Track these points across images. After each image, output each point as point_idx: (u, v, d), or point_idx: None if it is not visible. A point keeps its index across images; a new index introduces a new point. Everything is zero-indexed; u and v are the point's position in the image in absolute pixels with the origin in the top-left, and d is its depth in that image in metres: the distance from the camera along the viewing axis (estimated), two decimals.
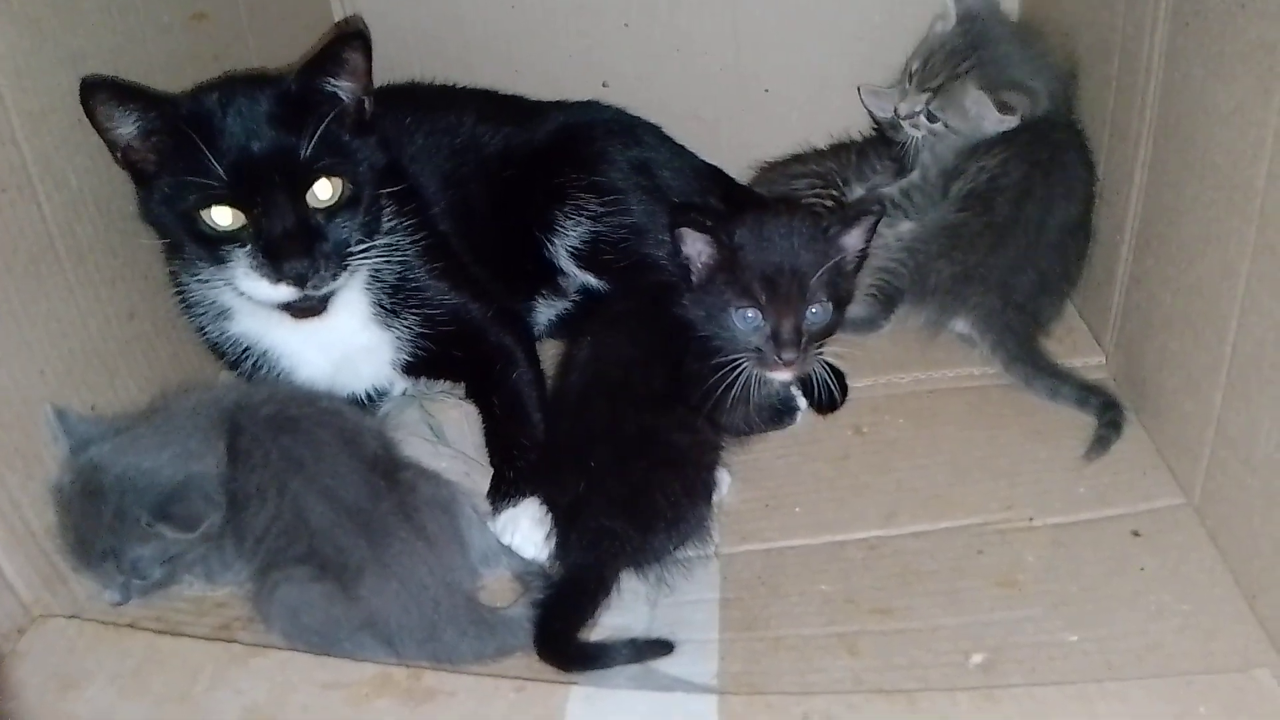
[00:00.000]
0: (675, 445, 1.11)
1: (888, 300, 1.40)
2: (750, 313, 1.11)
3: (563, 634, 1.02)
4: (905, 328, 1.41)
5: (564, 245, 1.36)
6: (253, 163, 1.04)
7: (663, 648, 1.01)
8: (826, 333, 1.16)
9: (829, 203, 1.53)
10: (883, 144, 1.58)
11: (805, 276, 1.11)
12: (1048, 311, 1.37)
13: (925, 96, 1.45)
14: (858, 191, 1.55)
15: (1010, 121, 1.39)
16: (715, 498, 1.16)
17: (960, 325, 1.37)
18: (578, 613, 1.04)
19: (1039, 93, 1.39)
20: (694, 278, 1.15)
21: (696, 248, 1.14)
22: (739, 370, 1.12)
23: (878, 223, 1.17)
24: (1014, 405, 1.28)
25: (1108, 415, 1.21)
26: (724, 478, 1.19)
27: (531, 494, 1.14)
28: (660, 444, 1.11)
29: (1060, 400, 1.26)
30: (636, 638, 1.02)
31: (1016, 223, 1.34)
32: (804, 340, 1.11)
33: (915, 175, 1.47)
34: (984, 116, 1.41)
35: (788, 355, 1.11)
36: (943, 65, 1.44)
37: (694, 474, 1.12)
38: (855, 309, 1.38)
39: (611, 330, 1.21)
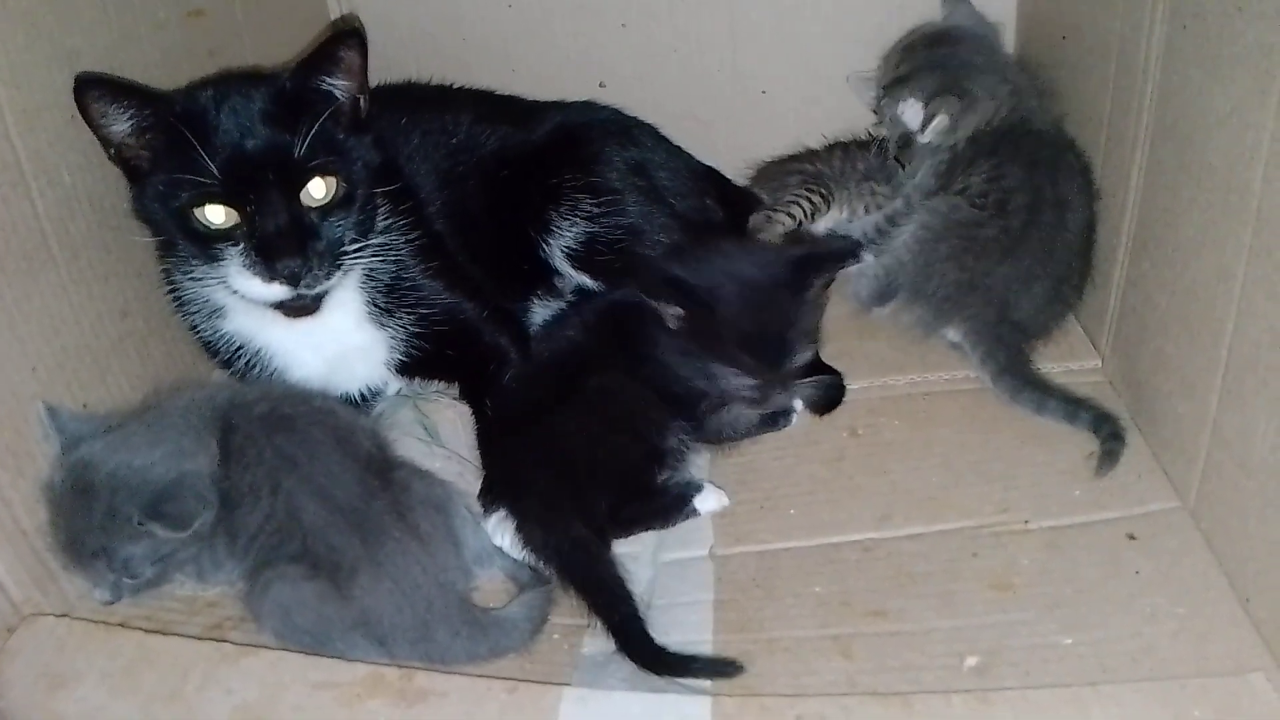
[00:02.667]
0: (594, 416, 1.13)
1: (889, 287, 1.38)
2: (734, 373, 1.12)
3: (633, 632, 1.01)
4: (900, 327, 1.40)
5: (560, 246, 1.35)
6: (246, 161, 1.04)
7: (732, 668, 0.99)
8: (808, 367, 1.19)
9: (816, 199, 1.52)
10: (867, 146, 1.57)
11: (788, 338, 1.11)
12: (1051, 324, 1.35)
13: (878, 93, 1.45)
14: (839, 193, 1.54)
15: (936, 130, 1.38)
16: (705, 508, 1.16)
17: (952, 334, 1.35)
18: (615, 604, 1.03)
19: (982, 100, 1.37)
20: (670, 325, 1.14)
21: (666, 309, 1.13)
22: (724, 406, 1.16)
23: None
24: (1010, 408, 1.28)
25: (1105, 429, 1.19)
26: (714, 493, 1.18)
27: None
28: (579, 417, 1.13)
29: (1046, 414, 1.24)
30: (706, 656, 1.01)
31: (1033, 227, 1.30)
32: (789, 388, 1.15)
33: (899, 203, 1.45)
34: (911, 122, 1.41)
35: (774, 405, 1.18)
36: (894, 63, 1.44)
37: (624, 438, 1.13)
38: (859, 287, 1.40)
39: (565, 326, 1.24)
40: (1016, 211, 1.31)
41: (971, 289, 1.33)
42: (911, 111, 1.40)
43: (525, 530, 1.10)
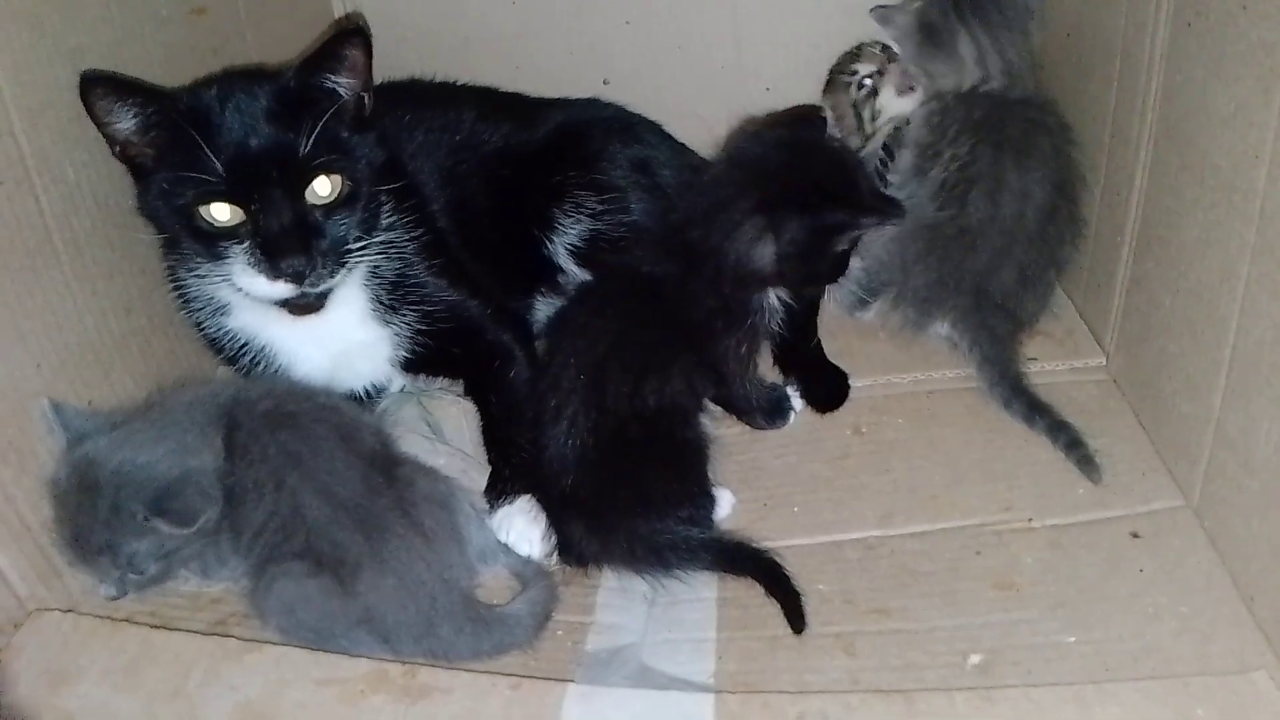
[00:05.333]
0: (667, 448, 1.12)
1: (872, 289, 1.39)
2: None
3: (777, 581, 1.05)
4: (891, 328, 1.40)
5: (563, 243, 1.35)
6: (251, 159, 1.04)
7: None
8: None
9: None
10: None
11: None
12: (1031, 306, 1.35)
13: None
14: None
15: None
16: (716, 515, 1.15)
17: (943, 328, 1.35)
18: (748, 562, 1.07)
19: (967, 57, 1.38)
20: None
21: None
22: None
23: None
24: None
25: (1061, 437, 1.19)
26: (725, 496, 1.17)
27: (527, 491, 1.14)
28: (653, 448, 1.11)
29: (1010, 413, 1.24)
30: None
31: (993, 221, 1.32)
32: None
33: (899, 162, 1.44)
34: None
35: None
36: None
37: (684, 475, 1.12)
38: (839, 293, 1.40)
39: (593, 320, 1.17)
40: (976, 204, 1.32)
41: (943, 284, 1.34)
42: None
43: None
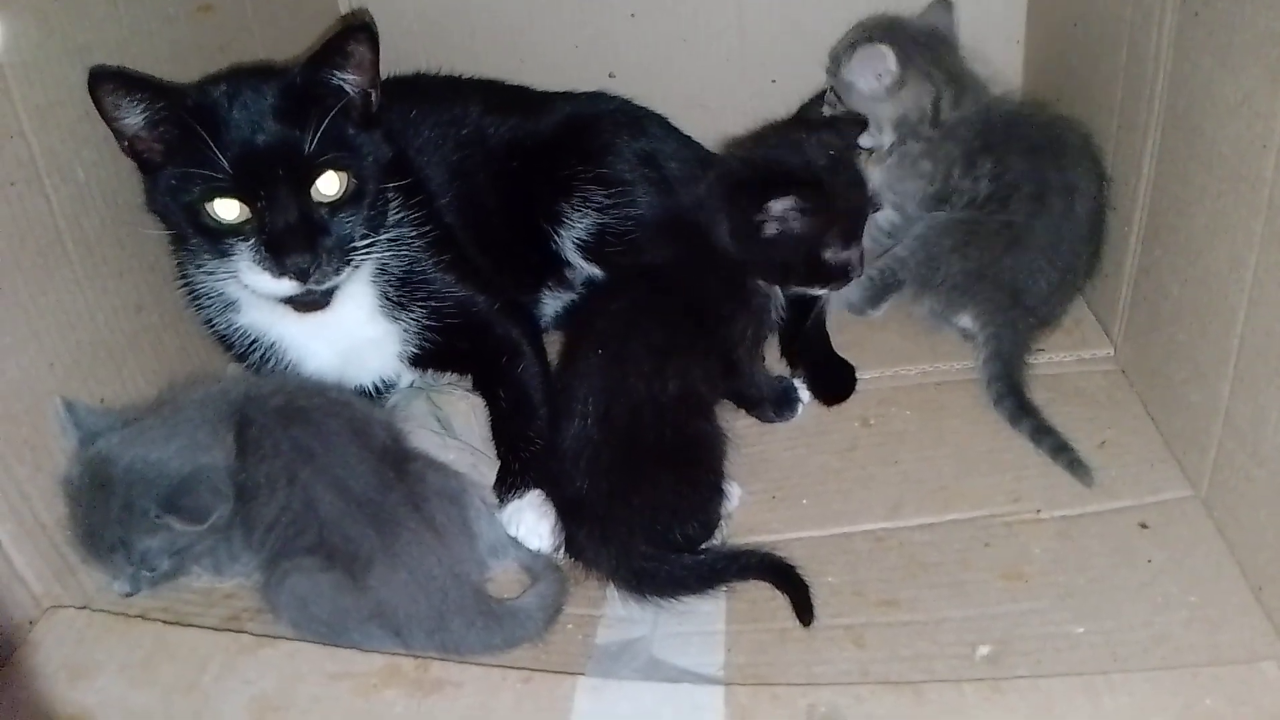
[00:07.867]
0: (684, 442, 1.12)
1: (883, 289, 1.39)
2: (844, 252, 1.20)
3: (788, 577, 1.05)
4: (911, 318, 1.40)
5: (570, 237, 1.36)
6: (257, 156, 1.04)
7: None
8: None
9: None
10: None
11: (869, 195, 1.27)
12: (1060, 310, 1.35)
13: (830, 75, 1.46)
14: None
15: (878, 73, 1.38)
16: (725, 509, 1.16)
17: (965, 320, 1.35)
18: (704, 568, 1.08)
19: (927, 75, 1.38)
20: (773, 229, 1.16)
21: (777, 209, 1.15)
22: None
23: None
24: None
25: (1045, 441, 1.18)
26: (733, 489, 1.18)
27: (536, 486, 1.14)
28: (669, 443, 1.11)
29: (998, 409, 1.24)
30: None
31: (1040, 217, 1.30)
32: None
33: (893, 215, 1.45)
34: (856, 75, 1.41)
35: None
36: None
37: (700, 471, 1.13)
38: (849, 292, 1.39)
39: (616, 327, 1.17)
40: (1020, 204, 1.31)
41: (980, 277, 1.33)
42: (866, 59, 1.40)
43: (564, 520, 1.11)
